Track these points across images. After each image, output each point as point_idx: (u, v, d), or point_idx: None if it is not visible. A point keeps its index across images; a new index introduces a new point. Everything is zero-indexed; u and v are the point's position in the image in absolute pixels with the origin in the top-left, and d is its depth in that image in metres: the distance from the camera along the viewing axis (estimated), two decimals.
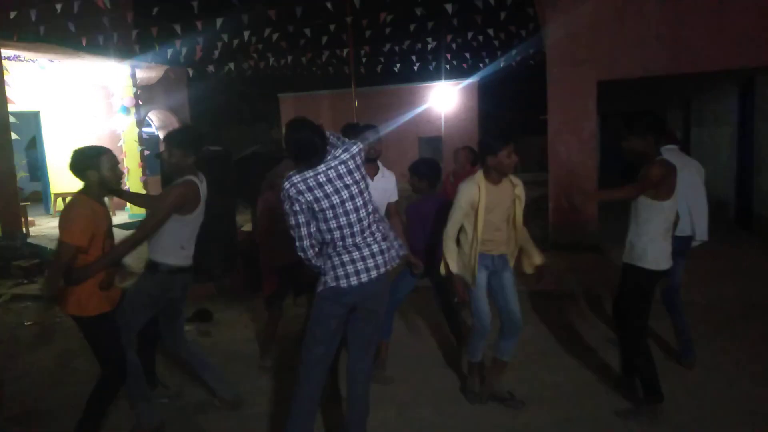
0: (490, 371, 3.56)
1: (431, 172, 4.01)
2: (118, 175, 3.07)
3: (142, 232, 3.07)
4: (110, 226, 3.11)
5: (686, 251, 3.90)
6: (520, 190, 3.35)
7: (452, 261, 3.34)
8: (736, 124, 9.07)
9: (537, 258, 3.48)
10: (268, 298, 4.31)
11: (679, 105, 13.19)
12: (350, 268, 2.70)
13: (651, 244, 3.23)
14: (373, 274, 2.73)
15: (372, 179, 3.48)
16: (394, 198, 3.72)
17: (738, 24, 7.11)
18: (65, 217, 2.88)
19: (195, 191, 3.18)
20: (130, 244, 3.05)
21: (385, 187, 3.61)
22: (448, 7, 8.66)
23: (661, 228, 3.22)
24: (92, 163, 2.96)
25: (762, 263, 6.60)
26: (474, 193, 3.23)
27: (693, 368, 3.87)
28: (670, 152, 3.69)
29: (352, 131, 3.49)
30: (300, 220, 2.64)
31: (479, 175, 3.30)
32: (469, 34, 12.11)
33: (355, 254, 2.71)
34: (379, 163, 3.63)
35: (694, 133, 12.16)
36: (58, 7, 8.55)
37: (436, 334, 4.78)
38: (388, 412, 3.46)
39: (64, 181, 12.15)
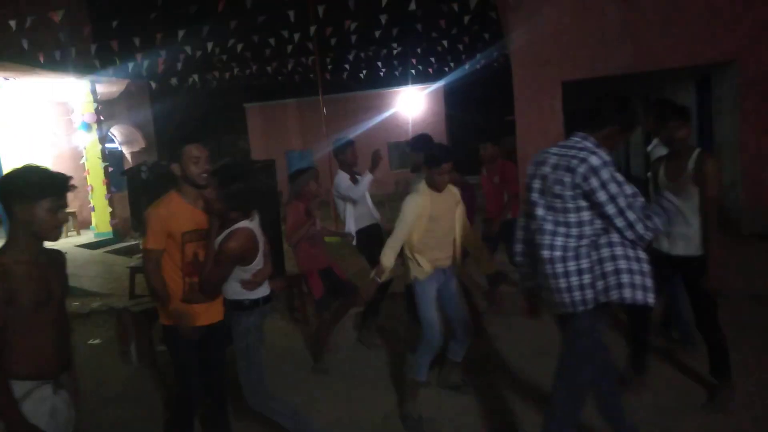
0: (447, 367, 3.68)
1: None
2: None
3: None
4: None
5: None
6: (458, 196, 3.44)
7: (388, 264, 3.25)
8: (695, 119, 9.35)
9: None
10: (319, 302, 4.21)
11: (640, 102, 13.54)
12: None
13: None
14: None
15: None
16: None
17: (692, 23, 7.35)
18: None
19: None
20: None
21: None
22: (413, 12, 8.71)
23: None
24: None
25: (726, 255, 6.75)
26: (421, 203, 3.23)
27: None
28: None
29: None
30: None
31: (424, 185, 3.31)
32: (434, 38, 12.22)
33: None
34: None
35: None
36: (13, 24, 8.27)
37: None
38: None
39: None
